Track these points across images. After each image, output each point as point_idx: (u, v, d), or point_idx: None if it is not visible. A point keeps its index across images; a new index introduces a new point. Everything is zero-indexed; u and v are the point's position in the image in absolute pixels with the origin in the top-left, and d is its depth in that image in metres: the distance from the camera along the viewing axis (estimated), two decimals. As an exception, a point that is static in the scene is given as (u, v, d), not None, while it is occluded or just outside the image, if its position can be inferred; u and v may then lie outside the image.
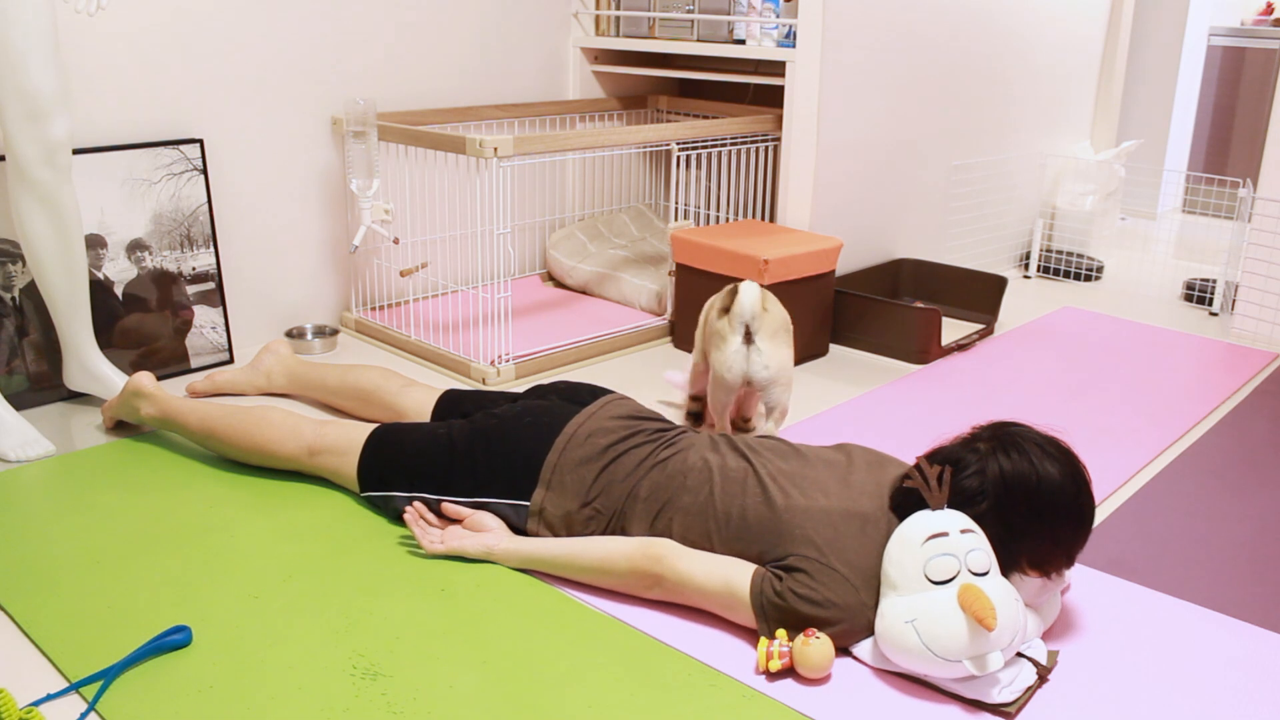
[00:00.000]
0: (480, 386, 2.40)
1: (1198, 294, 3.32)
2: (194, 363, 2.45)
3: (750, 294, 1.88)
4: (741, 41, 2.86)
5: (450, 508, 1.69)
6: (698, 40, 2.96)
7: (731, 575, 1.46)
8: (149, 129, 2.37)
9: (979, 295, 3.00)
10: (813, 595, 1.40)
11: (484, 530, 1.65)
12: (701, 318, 2.08)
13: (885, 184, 3.00)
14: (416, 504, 1.70)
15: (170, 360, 2.41)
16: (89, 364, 2.15)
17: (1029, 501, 1.40)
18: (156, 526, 1.74)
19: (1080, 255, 3.63)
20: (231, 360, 2.52)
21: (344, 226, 2.77)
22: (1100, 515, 1.88)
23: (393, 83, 2.81)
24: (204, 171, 2.42)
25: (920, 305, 2.69)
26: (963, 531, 1.36)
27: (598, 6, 3.18)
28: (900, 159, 3.04)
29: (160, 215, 2.36)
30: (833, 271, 2.63)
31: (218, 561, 1.63)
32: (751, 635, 1.48)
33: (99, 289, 2.28)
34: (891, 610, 1.36)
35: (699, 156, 3.19)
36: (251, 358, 2.46)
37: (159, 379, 2.39)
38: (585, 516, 1.61)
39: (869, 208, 2.97)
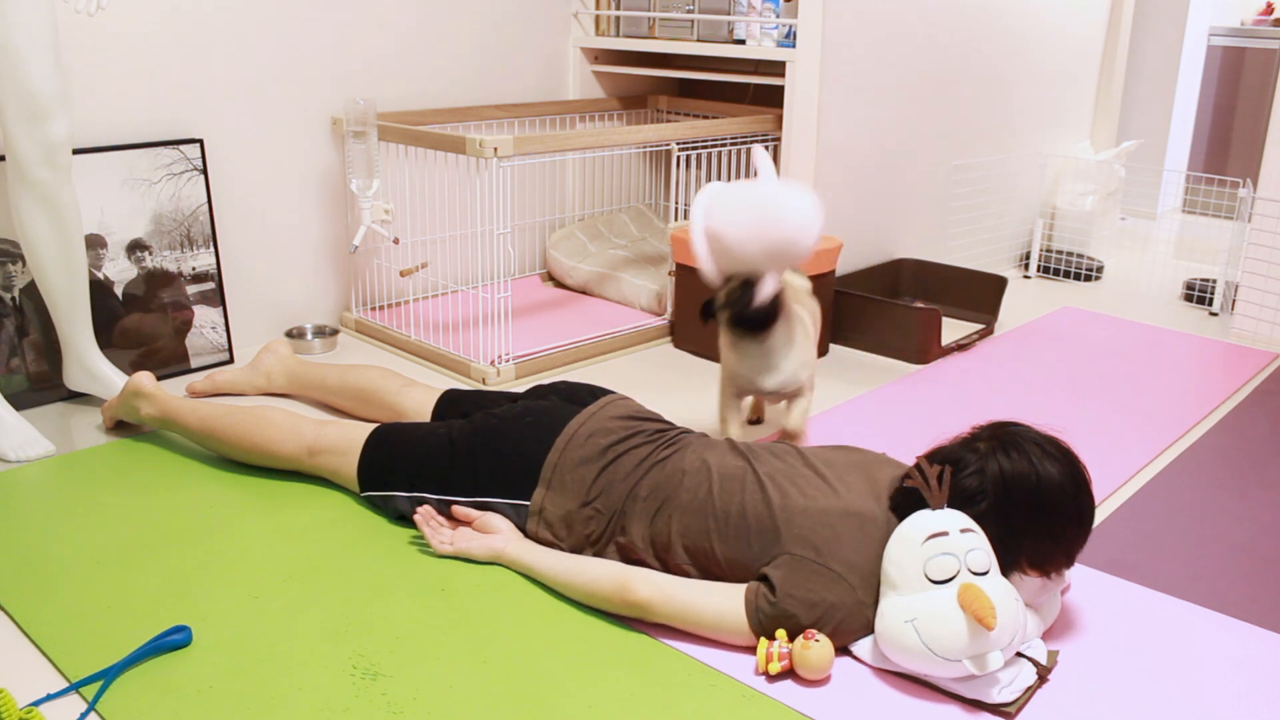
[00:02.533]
0: (480, 386, 2.40)
1: (1198, 294, 3.32)
2: (194, 363, 2.45)
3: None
4: (741, 41, 2.86)
5: (460, 510, 1.69)
6: (698, 40, 2.96)
7: (725, 605, 1.44)
8: (149, 129, 2.37)
9: (979, 295, 3.00)
10: (809, 597, 1.40)
11: (493, 532, 1.65)
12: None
13: (885, 184, 3.00)
14: (427, 505, 1.70)
15: (170, 360, 2.41)
16: (89, 364, 2.15)
17: (1029, 501, 1.40)
18: (156, 526, 1.74)
19: (1080, 255, 3.63)
20: (231, 360, 2.52)
21: (344, 226, 2.77)
22: (1100, 515, 1.88)
23: (393, 83, 2.81)
24: (204, 171, 2.42)
25: (920, 305, 2.69)
26: (962, 531, 1.36)
27: (598, 6, 3.18)
28: (900, 159, 3.04)
29: (160, 215, 2.36)
30: (833, 271, 2.63)
31: (218, 561, 1.63)
32: (751, 635, 1.47)
33: (99, 289, 2.28)
34: (891, 610, 1.36)
35: (699, 156, 3.19)
36: (251, 358, 2.46)
37: (159, 379, 2.39)
38: (585, 516, 1.60)
39: (869, 208, 2.97)
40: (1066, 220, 3.76)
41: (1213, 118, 4.76)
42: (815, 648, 1.36)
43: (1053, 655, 1.44)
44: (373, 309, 2.83)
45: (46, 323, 2.21)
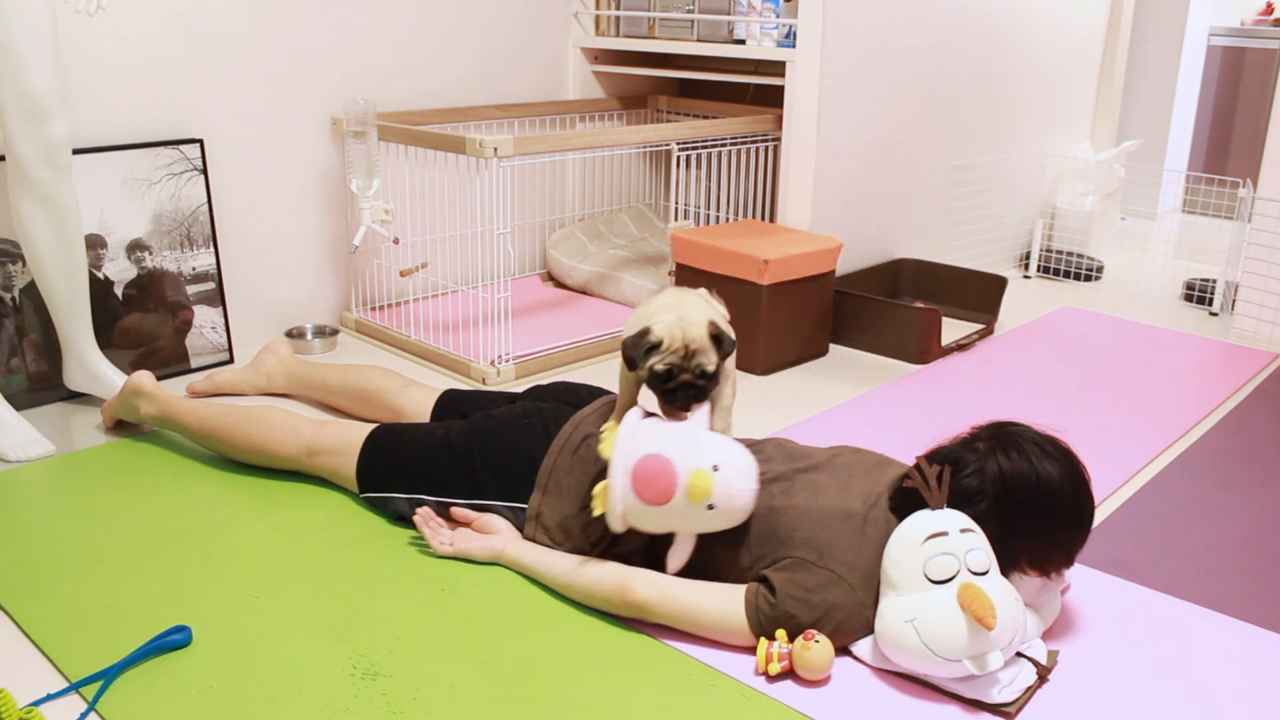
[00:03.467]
0: (480, 386, 2.40)
1: (1198, 294, 3.32)
2: (194, 363, 2.45)
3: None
4: (741, 41, 2.86)
5: (459, 511, 1.68)
6: (698, 40, 2.96)
7: (725, 606, 1.44)
8: (149, 129, 2.37)
9: (979, 295, 3.00)
10: (809, 598, 1.40)
11: (493, 532, 1.65)
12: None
13: (885, 184, 3.00)
14: (426, 506, 1.70)
15: (170, 360, 2.41)
16: (89, 364, 2.15)
17: (1028, 501, 1.40)
18: (156, 526, 1.74)
19: (1080, 255, 3.63)
20: (231, 360, 2.52)
21: (344, 226, 2.77)
22: (1100, 515, 1.88)
23: (393, 83, 2.81)
24: (204, 171, 2.42)
25: (920, 305, 2.69)
26: (962, 531, 1.36)
27: (598, 6, 3.18)
28: (900, 159, 3.04)
29: (160, 215, 2.36)
30: (833, 271, 2.63)
31: (218, 561, 1.63)
32: (751, 635, 1.47)
33: (99, 289, 2.28)
34: (891, 610, 1.36)
35: (699, 156, 3.19)
36: (251, 358, 2.46)
37: (159, 379, 2.39)
38: (583, 521, 1.60)
39: (869, 208, 2.97)
40: (1066, 220, 3.76)
41: (1213, 118, 4.76)
42: (815, 648, 1.36)
43: (1053, 655, 1.44)
44: (373, 309, 2.83)
45: (46, 323, 2.21)
